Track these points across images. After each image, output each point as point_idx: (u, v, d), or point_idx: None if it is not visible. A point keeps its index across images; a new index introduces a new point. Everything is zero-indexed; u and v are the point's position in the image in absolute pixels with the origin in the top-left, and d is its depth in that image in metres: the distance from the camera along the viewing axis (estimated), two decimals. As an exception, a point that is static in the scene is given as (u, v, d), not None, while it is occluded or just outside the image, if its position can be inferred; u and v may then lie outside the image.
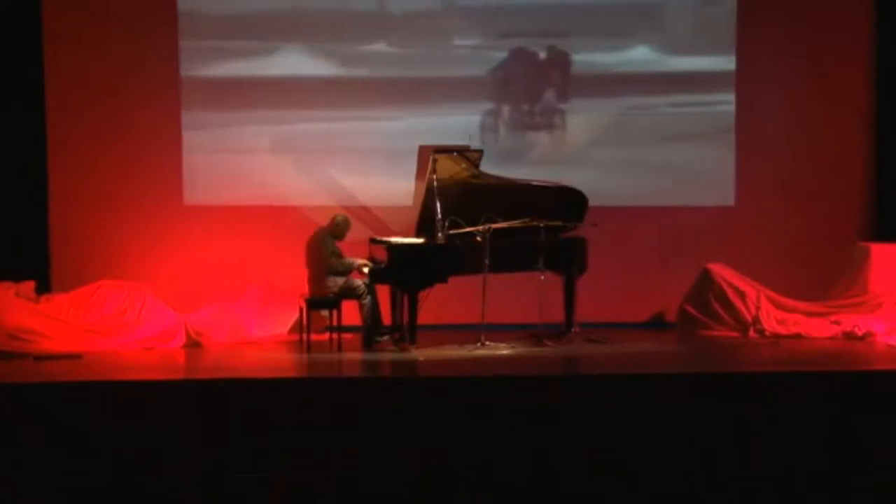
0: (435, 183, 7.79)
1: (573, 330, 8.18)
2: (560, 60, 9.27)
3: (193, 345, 8.01)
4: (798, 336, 8.23)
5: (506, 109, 9.28)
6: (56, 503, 4.42)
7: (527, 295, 7.94)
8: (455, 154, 7.91)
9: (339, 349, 7.68)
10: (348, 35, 9.04)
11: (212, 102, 8.92)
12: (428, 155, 7.91)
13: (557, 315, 8.14)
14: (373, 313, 7.89)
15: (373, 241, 8.21)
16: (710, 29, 9.24)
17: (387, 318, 8.14)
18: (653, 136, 9.20)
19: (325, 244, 7.88)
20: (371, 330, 7.88)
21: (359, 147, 9.04)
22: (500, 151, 8.93)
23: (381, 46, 9.10)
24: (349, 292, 7.84)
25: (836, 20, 9.28)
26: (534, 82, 9.30)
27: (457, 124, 8.90)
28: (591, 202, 8.22)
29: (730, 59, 9.19)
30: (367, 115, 9.04)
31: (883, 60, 9.27)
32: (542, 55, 9.27)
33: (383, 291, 8.12)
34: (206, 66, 8.94)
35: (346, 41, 9.05)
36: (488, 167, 8.06)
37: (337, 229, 7.95)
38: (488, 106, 9.23)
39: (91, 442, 5.91)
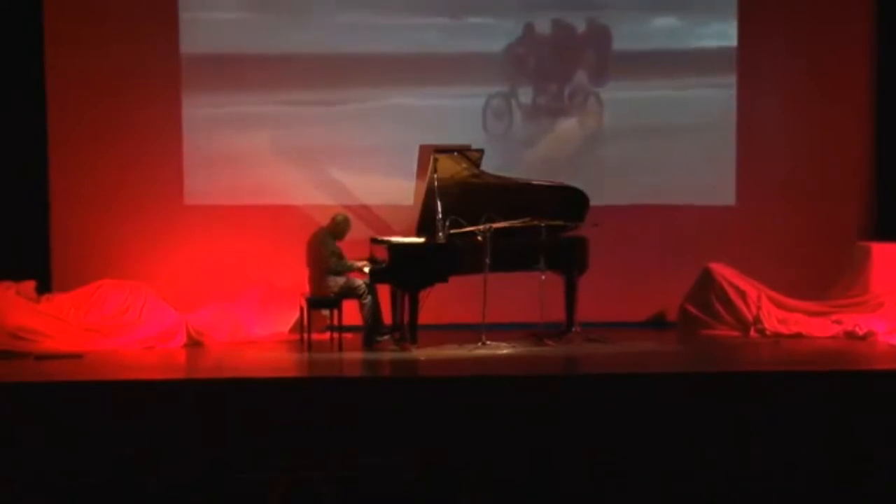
0: (436, 182, 7.78)
1: (574, 329, 8.17)
2: (597, 36, 8.94)
3: (194, 344, 8.00)
4: (799, 336, 8.21)
5: (519, 92, 9.06)
6: (56, 503, 4.42)
7: (527, 294, 7.92)
8: (456, 154, 7.90)
9: (340, 349, 7.68)
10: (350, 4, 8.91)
11: (212, 81, 8.80)
12: (429, 154, 7.90)
13: (558, 314, 8.13)
14: (373, 313, 7.87)
15: (373, 240, 8.20)
16: (713, 24, 9.23)
17: (387, 317, 8.12)
18: (654, 134, 9.16)
19: (326, 244, 7.87)
20: (372, 329, 7.87)
21: (360, 140, 8.97)
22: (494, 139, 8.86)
23: (384, 18, 8.90)
24: (350, 292, 7.82)
25: (836, 20, 9.25)
26: (549, 61, 9.10)
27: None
28: (592, 201, 8.19)
29: (730, 78, 9.15)
30: (370, 96, 8.91)
31: (884, 60, 9.25)
32: (565, 29, 8.98)
33: (384, 291, 8.11)
34: (207, 41, 8.81)
35: (348, 10, 8.90)
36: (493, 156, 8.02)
37: (337, 229, 7.94)
38: (497, 88, 9.05)
39: (91, 442, 5.91)
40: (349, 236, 8.02)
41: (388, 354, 7.64)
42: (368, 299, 7.84)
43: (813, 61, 9.21)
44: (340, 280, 7.84)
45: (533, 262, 7.87)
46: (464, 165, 7.94)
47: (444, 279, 7.69)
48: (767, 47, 9.22)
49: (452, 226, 7.72)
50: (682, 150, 9.16)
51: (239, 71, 8.84)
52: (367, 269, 7.87)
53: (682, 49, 9.17)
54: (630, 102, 9.17)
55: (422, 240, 7.92)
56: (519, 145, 9.15)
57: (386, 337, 7.95)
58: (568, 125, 9.23)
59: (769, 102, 9.22)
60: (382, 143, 8.94)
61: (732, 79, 9.19)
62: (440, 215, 7.73)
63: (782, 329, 8.30)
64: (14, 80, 8.65)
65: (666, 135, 9.16)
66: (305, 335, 7.84)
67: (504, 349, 7.67)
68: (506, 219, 7.82)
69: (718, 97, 9.21)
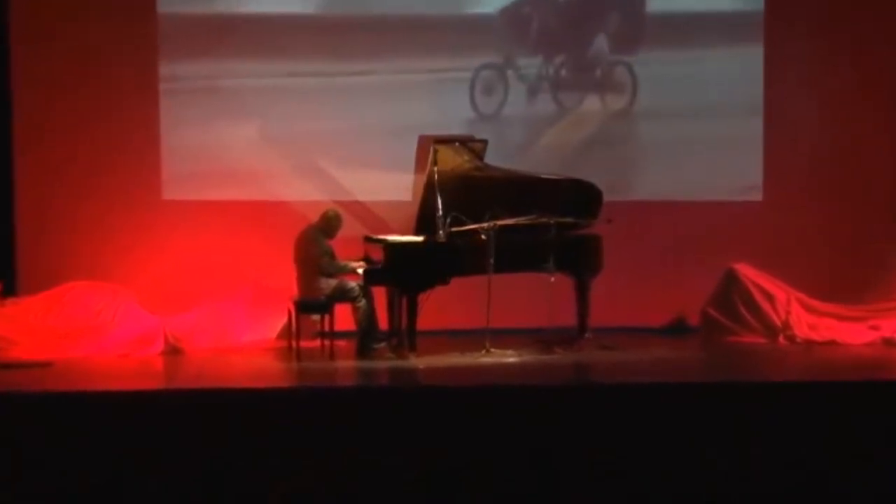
0: (436, 176, 7.78)
1: (586, 335, 8.17)
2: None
3: (173, 351, 8.02)
4: (832, 343, 8.24)
5: (519, 63, 8.88)
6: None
7: (535, 298, 7.92)
8: (457, 144, 7.93)
9: (332, 357, 7.69)
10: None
11: (192, 50, 8.78)
12: (428, 145, 7.91)
13: (568, 319, 8.16)
14: (368, 318, 7.87)
15: (368, 239, 8.20)
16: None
17: (383, 322, 8.14)
18: (673, 119, 9.12)
19: (316, 243, 7.85)
20: (366, 336, 7.87)
21: (353, 124, 8.93)
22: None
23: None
24: (342, 295, 7.81)
25: (872, 5, 9.23)
26: (561, 25, 8.91)
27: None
28: (606, 195, 8.20)
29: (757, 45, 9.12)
30: (361, 70, 8.88)
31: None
32: None
33: (380, 294, 8.11)
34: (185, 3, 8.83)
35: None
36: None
37: (328, 226, 7.93)
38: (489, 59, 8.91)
39: (60, 457, 5.88)
40: (341, 234, 8.01)
41: (384, 363, 7.67)
42: (363, 303, 7.83)
43: (849, 47, 9.19)
44: (332, 282, 7.83)
45: (541, 262, 7.85)
46: (466, 157, 7.98)
47: (444, 281, 7.68)
48: (798, 31, 9.19)
49: (454, 223, 7.71)
50: (704, 140, 9.13)
51: (219, 37, 8.82)
52: (361, 271, 7.86)
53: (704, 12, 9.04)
54: (650, 80, 9.08)
55: (421, 238, 7.91)
56: (520, 129, 9.06)
57: (382, 344, 7.95)
58: (588, 105, 9.13)
59: (800, 90, 9.19)
60: (378, 127, 8.89)
61: (759, 59, 9.14)
62: (440, 211, 7.73)
63: (814, 335, 8.32)
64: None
65: (686, 120, 9.11)
66: (294, 342, 7.83)
67: (510, 357, 7.69)
68: (512, 215, 7.80)
69: (743, 81, 9.16)
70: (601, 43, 9.04)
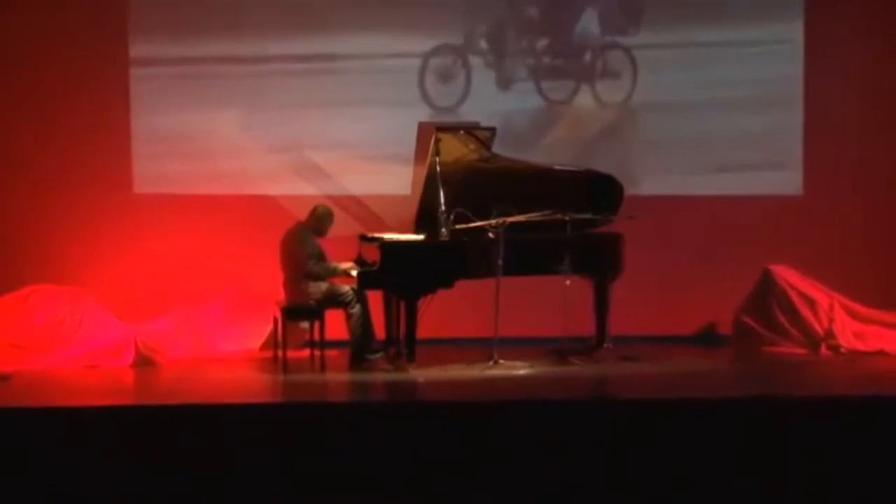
0: (438, 167, 7.74)
1: (605, 345, 8.17)
2: None
3: (145, 362, 8.01)
4: (880, 353, 8.25)
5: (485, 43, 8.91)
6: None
7: (549, 303, 7.90)
8: (462, 132, 7.90)
9: (322, 368, 7.68)
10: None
11: (166, 30, 8.82)
12: (430, 133, 7.88)
13: (586, 327, 8.16)
14: (363, 325, 7.88)
15: (363, 237, 8.15)
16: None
17: (380, 330, 8.13)
18: (701, 105, 9.11)
19: (304, 242, 7.88)
20: (361, 345, 7.88)
21: (346, 113, 8.92)
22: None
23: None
24: (334, 299, 7.80)
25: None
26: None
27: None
28: (627, 190, 8.21)
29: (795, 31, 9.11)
30: (357, 51, 8.90)
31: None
32: None
33: (375, 299, 8.07)
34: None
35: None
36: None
37: (318, 224, 7.94)
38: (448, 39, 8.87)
39: (19, 479, 5.92)
40: (333, 232, 8.01)
41: (381, 375, 7.65)
42: (356, 308, 7.83)
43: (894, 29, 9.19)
44: (323, 286, 7.82)
45: (555, 263, 7.84)
46: (471, 147, 7.96)
47: (447, 284, 7.64)
48: (840, 9, 9.18)
49: (458, 220, 7.71)
50: (736, 125, 9.14)
51: (196, 16, 8.85)
52: (354, 273, 7.82)
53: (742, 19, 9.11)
54: (669, 61, 9.04)
55: (421, 237, 7.89)
56: (523, 125, 9.07)
57: (378, 354, 7.97)
58: (583, 95, 9.13)
59: (843, 74, 9.23)
60: (374, 115, 8.92)
61: (798, 32, 9.11)
62: (443, 207, 7.71)
63: (859, 345, 8.34)
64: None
65: (716, 105, 9.15)
66: (280, 352, 7.83)
67: (520, 369, 7.65)
68: (523, 211, 7.80)
69: (781, 56, 9.12)
70: (590, 21, 8.99)
